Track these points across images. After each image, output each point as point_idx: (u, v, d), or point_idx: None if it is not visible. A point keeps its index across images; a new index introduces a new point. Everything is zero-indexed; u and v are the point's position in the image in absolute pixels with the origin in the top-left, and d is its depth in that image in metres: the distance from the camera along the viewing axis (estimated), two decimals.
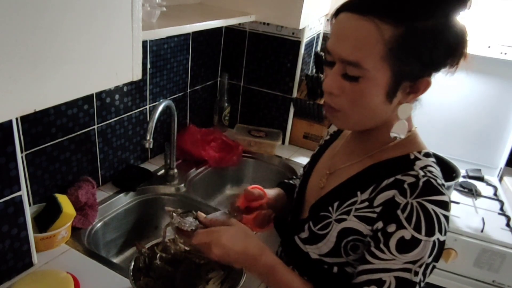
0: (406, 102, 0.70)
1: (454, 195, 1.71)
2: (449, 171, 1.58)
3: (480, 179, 1.87)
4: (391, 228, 0.66)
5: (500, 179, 1.93)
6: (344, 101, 0.69)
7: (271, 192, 0.96)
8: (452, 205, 1.64)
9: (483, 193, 1.76)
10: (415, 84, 0.68)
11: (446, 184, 1.44)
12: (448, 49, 0.67)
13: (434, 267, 0.69)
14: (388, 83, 0.66)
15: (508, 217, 1.60)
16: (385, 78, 0.65)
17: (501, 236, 1.49)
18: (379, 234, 0.67)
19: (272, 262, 0.75)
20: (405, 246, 0.65)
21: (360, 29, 0.63)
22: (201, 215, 0.84)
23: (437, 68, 0.68)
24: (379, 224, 0.68)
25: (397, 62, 0.64)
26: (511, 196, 1.77)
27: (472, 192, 1.74)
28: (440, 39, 0.64)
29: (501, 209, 1.67)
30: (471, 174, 1.89)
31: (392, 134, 0.72)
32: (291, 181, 1.06)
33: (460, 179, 1.74)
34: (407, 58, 0.64)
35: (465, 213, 1.60)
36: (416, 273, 0.65)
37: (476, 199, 1.71)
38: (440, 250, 0.67)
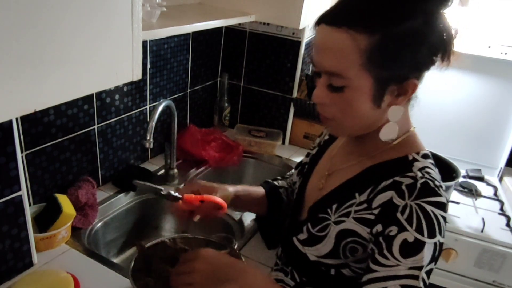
0: (396, 104, 0.70)
1: (454, 195, 1.71)
2: (449, 171, 1.58)
3: (480, 179, 1.87)
4: (393, 231, 0.65)
5: (500, 179, 1.93)
6: (334, 110, 0.71)
7: (238, 189, 0.96)
8: (452, 205, 1.64)
9: (483, 193, 1.76)
10: (402, 87, 0.68)
11: (446, 184, 1.47)
12: (432, 48, 0.67)
13: (432, 270, 0.68)
14: (372, 89, 0.66)
15: (508, 217, 1.60)
16: (368, 85, 0.66)
17: (501, 236, 1.49)
18: (381, 238, 0.66)
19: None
20: (409, 249, 0.63)
21: (336, 41, 0.65)
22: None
23: (424, 68, 0.69)
24: (379, 227, 0.67)
25: (377, 69, 0.65)
26: (511, 196, 1.77)
27: (472, 192, 1.74)
28: (421, 40, 0.64)
29: (501, 209, 1.67)
30: (471, 174, 1.89)
31: (382, 137, 0.72)
32: (275, 182, 1.06)
33: (460, 179, 1.74)
34: (387, 63, 0.65)
35: (465, 213, 1.60)
36: (423, 279, 0.63)
37: (476, 199, 1.71)
38: (439, 252, 0.66)
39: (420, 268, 0.63)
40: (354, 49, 0.63)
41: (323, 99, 0.71)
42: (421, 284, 0.63)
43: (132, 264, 0.91)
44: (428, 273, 0.66)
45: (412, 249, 0.63)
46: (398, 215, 0.65)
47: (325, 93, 0.70)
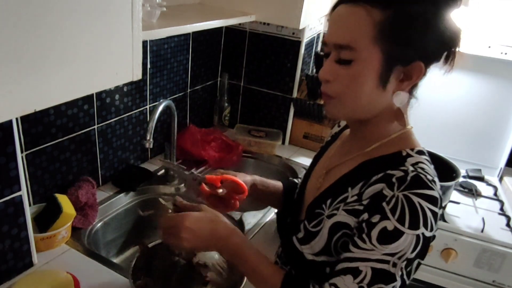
0: (401, 90, 0.71)
1: (454, 195, 1.71)
2: (449, 171, 1.58)
3: (480, 179, 1.87)
4: (375, 218, 0.66)
5: (500, 179, 1.93)
6: (338, 87, 0.71)
7: (257, 179, 1.00)
8: (452, 205, 1.64)
9: (483, 193, 1.76)
10: (407, 70, 0.69)
11: (447, 184, 1.47)
12: (441, 39, 0.68)
13: (419, 264, 0.68)
14: (380, 65, 0.68)
15: (508, 217, 1.60)
16: (377, 60, 0.67)
17: (501, 236, 1.49)
18: (364, 224, 0.68)
19: (240, 242, 0.78)
20: (387, 237, 0.65)
21: (351, 15, 0.67)
22: (179, 199, 0.87)
23: (430, 57, 0.70)
24: (365, 216, 0.68)
25: (387, 44, 0.66)
26: (511, 196, 1.77)
27: (472, 192, 1.74)
28: (431, 26, 0.66)
29: (501, 209, 1.67)
30: (471, 174, 1.89)
31: (396, 103, 0.72)
32: (295, 180, 1.07)
33: (460, 179, 1.74)
34: (397, 40, 0.66)
35: (465, 213, 1.60)
36: (395, 264, 0.65)
37: (476, 199, 1.71)
38: (424, 245, 0.66)
39: (393, 255, 0.64)
40: (367, 20, 0.66)
41: (330, 75, 0.71)
42: (393, 269, 0.65)
43: (134, 263, 0.91)
44: (413, 265, 0.67)
45: (389, 237, 0.65)
46: (384, 204, 0.66)
47: (332, 68, 0.71)
